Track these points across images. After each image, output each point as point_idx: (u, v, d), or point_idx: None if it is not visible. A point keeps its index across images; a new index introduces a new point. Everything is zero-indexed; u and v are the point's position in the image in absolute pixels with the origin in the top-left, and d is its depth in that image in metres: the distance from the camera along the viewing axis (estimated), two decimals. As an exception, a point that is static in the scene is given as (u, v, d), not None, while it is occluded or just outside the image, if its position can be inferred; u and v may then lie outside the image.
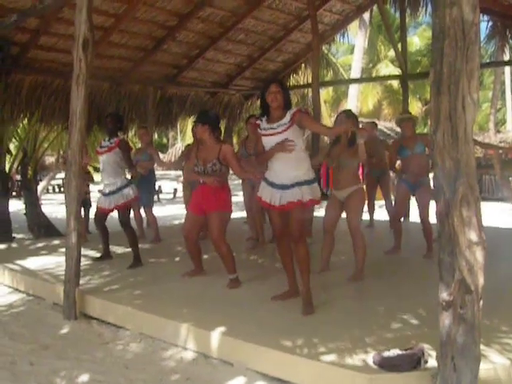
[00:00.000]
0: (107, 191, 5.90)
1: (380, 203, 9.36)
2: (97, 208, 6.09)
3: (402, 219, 6.88)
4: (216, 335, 3.75)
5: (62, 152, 18.42)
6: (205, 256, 5.56)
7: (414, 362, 3.07)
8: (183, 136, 27.59)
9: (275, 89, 4.18)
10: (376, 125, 9.38)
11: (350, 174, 5.12)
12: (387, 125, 21.80)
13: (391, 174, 8.84)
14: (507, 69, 25.57)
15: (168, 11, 8.12)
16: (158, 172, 8.06)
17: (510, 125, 27.21)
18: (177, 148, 28.86)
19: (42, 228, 9.12)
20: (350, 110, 5.79)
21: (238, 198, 9.53)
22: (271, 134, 4.21)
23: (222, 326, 3.83)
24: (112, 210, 5.97)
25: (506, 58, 19.51)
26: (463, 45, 2.61)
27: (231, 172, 5.08)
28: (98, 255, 6.41)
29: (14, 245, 7.90)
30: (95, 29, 5.23)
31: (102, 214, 6.08)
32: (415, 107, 24.73)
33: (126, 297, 4.76)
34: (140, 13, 7.89)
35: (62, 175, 21.30)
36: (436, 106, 2.71)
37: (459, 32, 2.61)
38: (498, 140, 18.57)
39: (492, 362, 3.14)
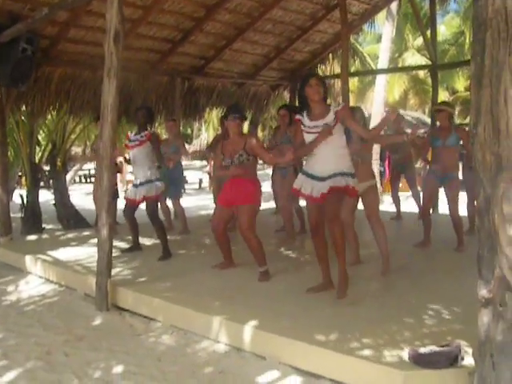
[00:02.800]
0: (138, 183, 5.93)
1: (407, 194, 9.29)
2: (126, 200, 6.13)
3: (431, 211, 6.83)
4: (248, 328, 3.75)
5: (88, 143, 18.62)
6: (235, 248, 5.56)
7: (450, 358, 3.03)
8: (207, 127, 27.59)
9: (315, 81, 4.21)
10: (403, 117, 9.27)
11: (364, 167, 5.08)
12: (414, 114, 21.54)
13: (419, 164, 8.77)
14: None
15: (195, 2, 8.08)
16: (184, 162, 8.11)
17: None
18: (202, 139, 28.89)
19: (71, 219, 9.24)
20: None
21: (263, 187, 9.51)
22: (316, 132, 4.20)
23: (254, 320, 3.83)
24: (141, 202, 6.00)
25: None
26: (506, 36, 2.52)
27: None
28: (128, 246, 6.46)
29: (44, 236, 8.01)
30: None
31: (131, 207, 6.11)
32: (442, 97, 24.23)
33: (157, 289, 4.80)
34: (168, 4, 7.87)
35: (88, 166, 21.62)
36: (477, 99, 2.64)
37: (502, 23, 2.52)
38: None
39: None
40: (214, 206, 6.78)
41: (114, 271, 5.07)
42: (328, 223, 4.29)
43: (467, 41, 22.83)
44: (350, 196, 4.44)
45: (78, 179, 21.78)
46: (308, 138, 4.31)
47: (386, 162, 15.54)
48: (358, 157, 5.00)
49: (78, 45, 7.97)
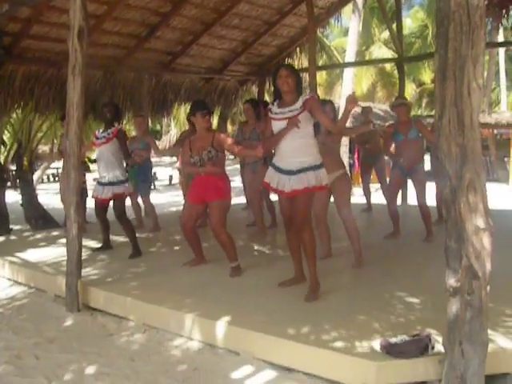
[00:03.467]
0: (105, 181, 5.85)
1: (376, 186, 9.39)
2: (95, 199, 6.04)
3: (400, 203, 6.93)
4: (221, 325, 3.74)
5: (55, 141, 18.32)
6: (206, 244, 5.55)
7: (421, 348, 3.08)
8: (177, 122, 27.41)
9: (285, 72, 4.18)
10: (371, 109, 9.39)
11: (332, 158, 5.09)
12: (382, 107, 21.73)
13: (386, 157, 8.89)
14: (501, 49, 25.49)
15: (161, -3, 8.01)
16: (153, 159, 8.07)
17: (505, 105, 27.16)
18: (171, 135, 28.68)
19: (39, 219, 9.08)
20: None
21: (234, 183, 9.50)
22: (282, 119, 4.20)
23: (226, 316, 3.83)
24: (109, 200, 5.93)
25: (500, 38, 19.44)
26: (468, 29, 2.58)
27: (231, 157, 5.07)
28: (98, 245, 6.38)
29: (12, 237, 7.85)
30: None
31: (102, 206, 6.04)
32: (409, 89, 24.67)
33: (129, 287, 4.75)
34: (132, -1, 7.79)
35: (56, 164, 21.27)
36: (441, 91, 2.68)
37: (464, 16, 2.57)
38: (493, 121, 18.52)
39: (499, 346, 3.15)
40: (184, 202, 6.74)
41: (84, 271, 5.00)
42: (297, 229, 4.27)
43: (432, 33, 23.16)
44: (320, 191, 4.44)
45: (46, 178, 21.43)
46: (274, 124, 4.28)
47: (356, 155, 15.71)
48: (326, 148, 5.02)
49: (42, 42, 7.83)
